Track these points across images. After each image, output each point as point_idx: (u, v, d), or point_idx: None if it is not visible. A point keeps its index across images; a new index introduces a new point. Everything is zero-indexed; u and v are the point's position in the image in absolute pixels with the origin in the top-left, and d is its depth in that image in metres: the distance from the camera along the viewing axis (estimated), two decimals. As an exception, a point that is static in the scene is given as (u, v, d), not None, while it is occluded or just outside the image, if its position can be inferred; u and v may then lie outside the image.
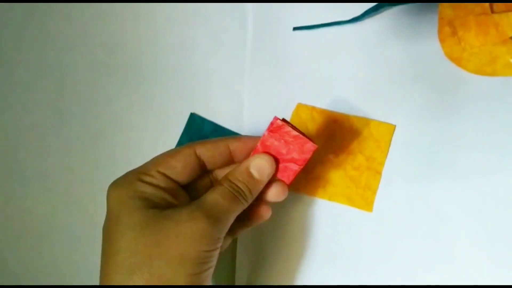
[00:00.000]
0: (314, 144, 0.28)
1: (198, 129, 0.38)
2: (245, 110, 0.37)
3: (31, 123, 0.41)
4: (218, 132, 0.38)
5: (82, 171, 0.39)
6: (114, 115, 0.40)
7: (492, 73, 0.33)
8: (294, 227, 0.35)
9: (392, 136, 0.34)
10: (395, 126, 0.34)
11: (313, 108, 0.36)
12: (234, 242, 0.36)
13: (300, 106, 0.36)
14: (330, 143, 0.35)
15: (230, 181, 0.28)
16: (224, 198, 0.27)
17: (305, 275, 0.34)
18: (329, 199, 0.35)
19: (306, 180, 0.35)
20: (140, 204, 0.26)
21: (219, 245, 0.26)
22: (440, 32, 0.34)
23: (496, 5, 0.32)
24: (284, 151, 0.29)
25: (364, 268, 0.34)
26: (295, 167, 0.29)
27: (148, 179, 0.27)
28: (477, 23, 0.32)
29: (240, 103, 0.38)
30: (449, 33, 0.34)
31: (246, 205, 0.28)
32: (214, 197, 0.27)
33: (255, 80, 0.38)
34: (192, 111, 0.38)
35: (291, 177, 0.29)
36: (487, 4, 0.32)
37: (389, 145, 0.34)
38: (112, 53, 0.41)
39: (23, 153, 0.40)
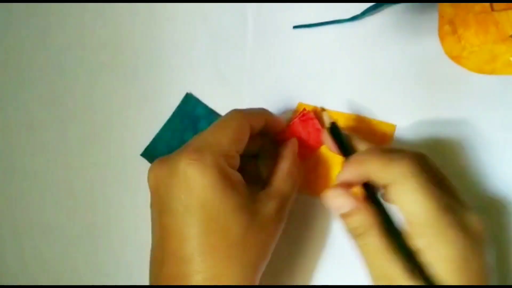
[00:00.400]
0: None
1: (191, 110, 0.38)
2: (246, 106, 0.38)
3: (30, 121, 0.41)
4: (211, 117, 0.38)
5: (82, 169, 0.40)
6: (113, 114, 0.40)
7: (492, 72, 0.33)
8: (298, 227, 0.36)
9: (393, 135, 0.35)
10: (395, 125, 0.35)
11: (314, 107, 0.36)
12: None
13: (301, 105, 0.37)
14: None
15: (287, 171, 0.31)
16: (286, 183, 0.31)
17: (308, 275, 0.35)
18: None
19: (310, 180, 0.36)
20: (237, 191, 0.27)
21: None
22: (440, 30, 0.34)
23: (496, 4, 0.31)
24: (304, 138, 0.34)
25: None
26: (308, 152, 0.35)
27: (232, 161, 0.28)
28: (477, 21, 0.32)
29: (240, 102, 0.38)
30: (449, 32, 0.33)
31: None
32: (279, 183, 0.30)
33: (255, 79, 0.38)
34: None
35: (305, 158, 0.35)
36: (487, 4, 0.31)
37: (391, 144, 0.35)
38: (112, 51, 0.41)
39: (22, 151, 0.41)
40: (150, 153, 0.39)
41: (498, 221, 0.32)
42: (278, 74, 0.38)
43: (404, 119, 0.35)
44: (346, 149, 0.30)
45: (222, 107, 0.38)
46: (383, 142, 0.35)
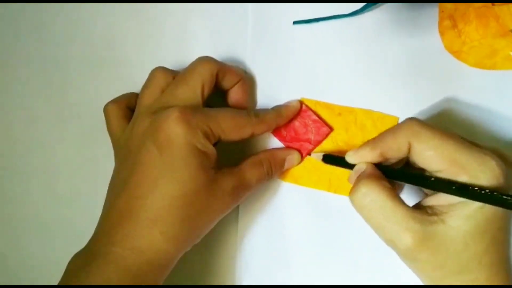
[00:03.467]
0: (329, 128, 0.34)
1: None
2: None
3: (31, 118, 0.41)
4: None
5: (83, 166, 0.39)
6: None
7: (492, 67, 0.33)
8: (298, 220, 0.35)
9: None
10: (398, 118, 0.34)
11: (317, 102, 0.36)
12: (235, 238, 0.36)
13: (304, 100, 0.36)
14: (334, 137, 0.35)
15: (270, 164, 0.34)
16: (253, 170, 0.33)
17: (309, 266, 0.34)
18: (334, 192, 0.35)
19: (311, 173, 0.35)
20: (202, 162, 0.29)
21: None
22: (440, 25, 0.34)
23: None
24: (302, 131, 0.34)
25: (370, 260, 0.33)
26: (309, 146, 0.35)
27: (209, 134, 0.30)
28: (478, 15, 0.32)
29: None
30: (449, 26, 0.33)
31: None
32: (244, 168, 0.33)
33: (255, 75, 0.38)
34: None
35: (304, 155, 0.35)
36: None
37: None
38: (112, 48, 0.40)
39: (23, 148, 0.40)
40: None
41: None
42: (278, 69, 0.37)
43: (405, 113, 0.34)
44: (349, 164, 0.30)
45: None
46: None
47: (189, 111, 0.29)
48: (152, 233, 0.28)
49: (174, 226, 0.28)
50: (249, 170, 0.32)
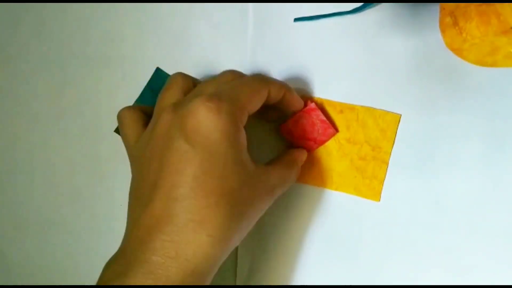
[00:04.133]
0: (335, 130, 0.34)
1: (162, 85, 0.38)
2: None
3: (31, 116, 0.40)
4: None
5: (84, 164, 0.39)
6: (114, 108, 0.39)
7: (493, 64, 0.33)
8: (299, 218, 0.35)
9: (397, 125, 0.34)
10: (400, 115, 0.34)
11: (319, 99, 0.36)
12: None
13: (305, 98, 0.36)
14: (336, 135, 0.35)
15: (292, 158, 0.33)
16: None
17: (310, 265, 0.34)
18: (336, 189, 0.35)
19: (313, 170, 0.35)
20: (243, 156, 0.28)
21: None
22: (441, 22, 0.34)
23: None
24: (309, 130, 0.34)
25: (371, 258, 0.34)
26: (313, 146, 0.35)
27: (245, 119, 0.29)
28: (479, 13, 0.32)
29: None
30: (450, 24, 0.33)
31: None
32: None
33: (255, 71, 0.38)
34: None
35: (311, 150, 0.35)
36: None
37: (395, 135, 0.34)
38: (113, 46, 0.40)
39: (23, 146, 0.40)
40: None
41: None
42: (279, 66, 0.37)
43: (406, 110, 0.34)
44: None
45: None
46: (387, 132, 0.34)
47: (216, 97, 0.26)
48: (199, 237, 0.25)
49: (222, 227, 0.25)
50: (286, 169, 0.31)
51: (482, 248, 0.32)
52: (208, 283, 0.26)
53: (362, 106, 0.35)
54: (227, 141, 0.26)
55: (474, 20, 0.32)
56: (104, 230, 0.38)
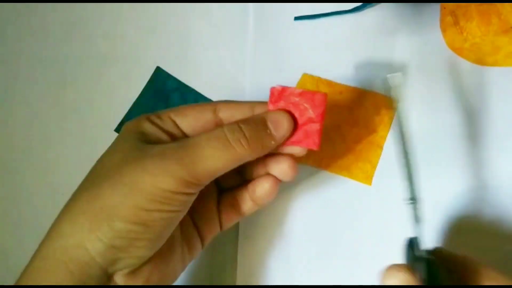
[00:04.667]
0: (323, 93, 0.26)
1: (162, 84, 0.38)
2: (247, 99, 0.37)
3: (31, 115, 0.40)
4: (181, 89, 0.38)
5: (83, 163, 0.39)
6: (115, 107, 0.39)
7: (494, 64, 0.33)
8: (299, 221, 0.34)
9: (396, 111, 0.34)
10: (398, 100, 0.34)
11: (319, 78, 0.36)
12: (236, 238, 0.36)
13: (305, 76, 0.36)
14: (334, 115, 0.35)
15: (235, 123, 0.25)
16: (210, 141, 0.24)
17: (309, 268, 0.34)
18: (329, 171, 0.34)
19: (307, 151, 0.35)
20: (133, 136, 0.25)
21: (186, 191, 0.23)
22: (442, 21, 0.34)
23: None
24: (297, 115, 0.26)
25: (362, 242, 0.33)
26: (316, 126, 0.26)
27: (156, 120, 0.26)
28: (479, 12, 0.32)
29: (241, 93, 0.37)
30: (451, 23, 0.33)
31: (246, 157, 0.24)
32: (199, 139, 0.24)
33: (256, 70, 0.37)
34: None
35: (317, 139, 0.26)
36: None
37: (392, 120, 0.34)
38: (113, 46, 0.40)
39: (23, 145, 0.40)
40: None
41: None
42: (279, 64, 0.37)
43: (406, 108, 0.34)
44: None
45: (223, 99, 0.37)
46: (385, 117, 0.34)
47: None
48: None
49: None
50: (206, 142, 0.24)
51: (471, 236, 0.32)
52: None
53: (362, 89, 0.35)
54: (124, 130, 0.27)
55: (474, 20, 0.32)
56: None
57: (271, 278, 0.34)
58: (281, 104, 0.26)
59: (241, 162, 0.25)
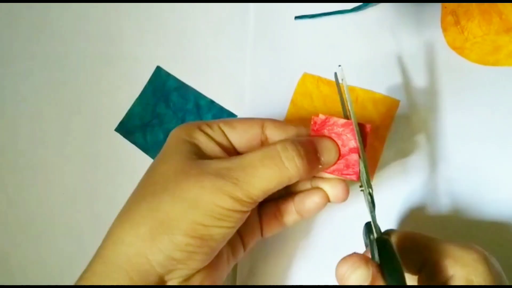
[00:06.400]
0: (367, 124, 0.26)
1: (162, 83, 0.39)
2: (247, 99, 0.37)
3: (31, 114, 0.40)
4: (182, 89, 0.38)
5: (83, 162, 0.39)
6: (115, 106, 0.39)
7: (495, 63, 0.33)
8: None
9: (396, 111, 0.34)
10: (399, 101, 0.34)
11: (319, 78, 0.36)
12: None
13: (306, 75, 0.36)
14: (334, 114, 0.34)
15: (289, 141, 0.25)
16: (264, 161, 0.24)
17: (309, 268, 0.34)
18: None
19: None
20: (186, 146, 0.26)
21: (242, 209, 0.24)
22: (442, 21, 0.34)
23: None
24: (339, 145, 0.27)
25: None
26: (356, 157, 0.26)
27: (207, 129, 0.27)
28: (481, 11, 0.32)
29: (242, 92, 0.37)
30: (451, 23, 0.33)
31: (295, 177, 0.25)
32: (253, 158, 0.25)
33: (256, 69, 0.37)
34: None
35: (357, 169, 0.26)
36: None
37: (393, 120, 0.34)
38: (114, 45, 0.40)
39: (23, 145, 0.40)
40: (124, 128, 0.39)
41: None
42: (279, 63, 0.37)
43: (406, 107, 0.34)
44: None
45: (223, 98, 0.38)
46: (386, 117, 0.34)
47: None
48: None
49: None
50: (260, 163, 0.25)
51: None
52: None
53: (362, 89, 0.35)
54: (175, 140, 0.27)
55: (476, 19, 0.32)
56: (104, 229, 0.38)
57: (271, 277, 0.34)
58: (325, 132, 0.27)
59: (291, 182, 0.25)
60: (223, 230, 0.24)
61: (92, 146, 0.39)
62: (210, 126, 0.27)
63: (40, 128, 0.40)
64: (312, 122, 0.27)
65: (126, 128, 0.38)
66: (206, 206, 0.24)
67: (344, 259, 0.23)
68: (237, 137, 0.27)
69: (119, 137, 0.38)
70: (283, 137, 0.27)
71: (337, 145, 0.27)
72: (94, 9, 0.41)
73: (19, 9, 0.42)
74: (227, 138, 0.27)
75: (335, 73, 0.28)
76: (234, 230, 0.25)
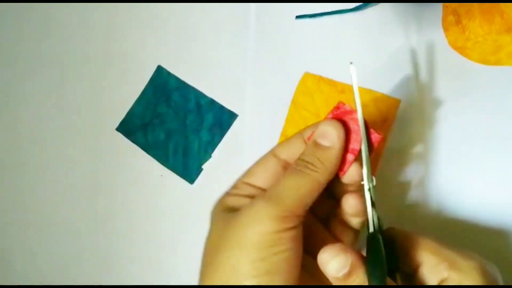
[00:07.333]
0: (380, 134, 0.26)
1: (163, 83, 0.39)
2: (248, 98, 0.37)
3: (32, 114, 0.40)
4: (182, 89, 0.38)
5: (84, 161, 0.39)
6: (116, 106, 0.39)
7: (497, 63, 0.33)
8: None
9: (397, 110, 0.34)
10: (400, 100, 0.34)
11: (320, 77, 0.36)
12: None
13: (307, 75, 0.36)
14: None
15: (298, 159, 0.26)
16: (287, 176, 0.25)
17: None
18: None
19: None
20: (222, 213, 0.26)
21: (288, 226, 0.24)
22: (444, 20, 0.34)
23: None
24: (349, 139, 0.26)
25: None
26: (351, 158, 0.26)
27: (234, 191, 0.27)
28: (482, 11, 0.32)
29: (243, 91, 0.37)
30: (453, 22, 0.33)
31: (321, 177, 0.25)
32: (277, 180, 0.26)
33: (257, 69, 0.37)
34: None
35: (346, 169, 0.26)
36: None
37: (394, 120, 0.34)
38: (114, 43, 0.40)
39: (24, 144, 0.40)
40: (125, 127, 0.39)
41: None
42: (280, 63, 0.37)
43: (407, 108, 0.34)
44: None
45: (224, 98, 0.38)
46: (387, 116, 0.34)
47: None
48: None
49: None
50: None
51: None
52: None
53: (363, 88, 0.35)
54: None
55: (477, 19, 0.32)
56: (105, 229, 0.38)
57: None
58: (346, 119, 0.26)
59: (322, 185, 0.25)
60: (283, 255, 0.24)
61: (93, 145, 0.39)
62: (236, 187, 0.28)
63: (41, 127, 0.40)
64: (335, 106, 0.27)
65: (127, 128, 0.38)
66: (255, 239, 0.23)
67: (326, 247, 0.24)
68: (262, 179, 0.27)
69: (120, 136, 0.38)
70: (297, 151, 0.27)
71: (341, 125, 0.26)
72: (95, 8, 0.41)
73: (20, 9, 0.42)
74: (254, 186, 0.27)
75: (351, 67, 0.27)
76: (296, 252, 0.24)
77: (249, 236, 0.23)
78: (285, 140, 0.29)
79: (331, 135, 0.26)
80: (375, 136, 0.26)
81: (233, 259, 0.23)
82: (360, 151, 0.26)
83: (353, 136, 0.26)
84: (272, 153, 0.28)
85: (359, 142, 0.26)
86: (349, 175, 0.27)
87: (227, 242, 0.24)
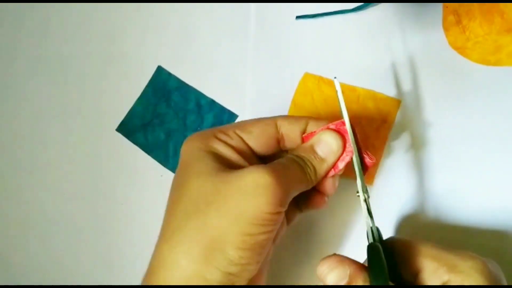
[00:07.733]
0: (372, 159, 0.27)
1: (163, 83, 0.39)
2: (248, 98, 0.37)
3: (32, 114, 0.40)
4: (183, 89, 0.38)
5: (84, 162, 0.39)
6: (116, 106, 0.39)
7: (497, 63, 0.33)
8: (298, 220, 0.35)
9: (397, 111, 0.34)
10: (400, 100, 0.34)
11: (321, 78, 0.36)
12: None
13: (307, 75, 0.36)
14: (336, 115, 0.34)
15: (296, 155, 0.27)
16: (292, 164, 0.26)
17: (309, 267, 0.34)
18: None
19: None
20: (209, 157, 0.26)
21: (282, 210, 0.25)
22: (444, 21, 0.34)
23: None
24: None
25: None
26: (342, 166, 0.28)
27: (223, 137, 0.27)
28: (482, 11, 0.32)
29: (243, 91, 0.37)
30: (453, 22, 0.33)
31: (310, 183, 0.27)
32: (281, 161, 0.26)
33: (257, 69, 0.37)
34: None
35: (330, 175, 0.28)
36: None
37: (394, 120, 0.34)
38: (115, 45, 0.40)
39: (24, 144, 0.40)
40: (125, 128, 0.39)
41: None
42: (281, 64, 0.37)
43: (407, 108, 0.34)
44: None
45: (224, 98, 0.38)
46: (387, 117, 0.34)
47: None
48: None
49: None
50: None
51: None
52: None
53: (363, 88, 0.35)
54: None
55: (477, 19, 0.32)
56: (105, 229, 0.38)
57: (272, 277, 0.34)
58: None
59: (310, 187, 0.27)
60: (267, 235, 0.24)
61: (93, 146, 0.39)
62: (226, 133, 0.27)
63: (41, 128, 0.40)
64: (342, 121, 0.27)
65: (127, 128, 0.38)
66: (252, 214, 0.23)
67: (324, 259, 0.24)
68: (255, 140, 0.27)
69: (120, 137, 0.38)
70: (298, 132, 0.28)
71: (340, 136, 0.27)
72: (95, 9, 0.41)
73: (20, 9, 0.42)
74: (245, 143, 0.27)
75: (335, 80, 0.28)
76: (275, 234, 0.25)
77: (248, 209, 0.23)
78: (292, 116, 0.29)
79: (330, 150, 0.27)
80: (368, 161, 0.27)
81: (226, 224, 0.23)
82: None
83: (348, 149, 0.27)
84: (274, 121, 0.28)
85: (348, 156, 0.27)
86: (327, 188, 0.28)
87: (226, 203, 0.24)
